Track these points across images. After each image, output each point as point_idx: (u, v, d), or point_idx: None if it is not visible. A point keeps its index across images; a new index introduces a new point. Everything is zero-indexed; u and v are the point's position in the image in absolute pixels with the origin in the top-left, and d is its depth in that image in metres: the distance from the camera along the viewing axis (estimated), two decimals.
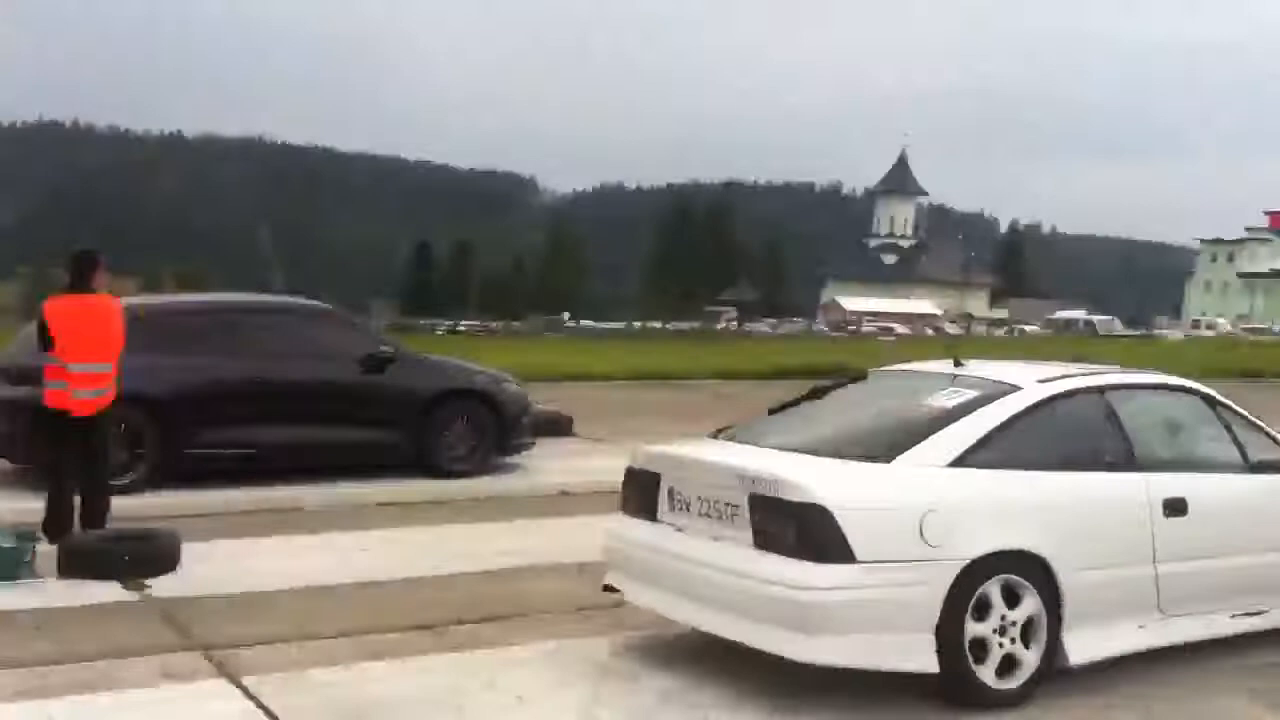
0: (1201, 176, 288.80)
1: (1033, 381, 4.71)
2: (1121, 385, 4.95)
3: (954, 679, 4.08)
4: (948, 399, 4.62)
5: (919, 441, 4.35)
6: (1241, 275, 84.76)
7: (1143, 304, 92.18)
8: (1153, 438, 4.87)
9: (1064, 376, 4.84)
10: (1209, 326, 71.47)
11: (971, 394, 4.63)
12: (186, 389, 8.47)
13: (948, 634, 4.04)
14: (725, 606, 4.31)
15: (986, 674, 4.12)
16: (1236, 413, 5.05)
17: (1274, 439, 5.08)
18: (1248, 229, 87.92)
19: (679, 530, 4.60)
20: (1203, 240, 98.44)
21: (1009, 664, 4.16)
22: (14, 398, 7.83)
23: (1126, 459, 4.63)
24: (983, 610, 4.11)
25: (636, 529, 4.83)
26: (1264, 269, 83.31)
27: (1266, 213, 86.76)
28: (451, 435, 9.33)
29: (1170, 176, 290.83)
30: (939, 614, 4.04)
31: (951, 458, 4.29)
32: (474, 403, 9.56)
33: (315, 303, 10.65)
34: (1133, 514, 4.51)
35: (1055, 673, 4.30)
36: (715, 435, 5.15)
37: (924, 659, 4.04)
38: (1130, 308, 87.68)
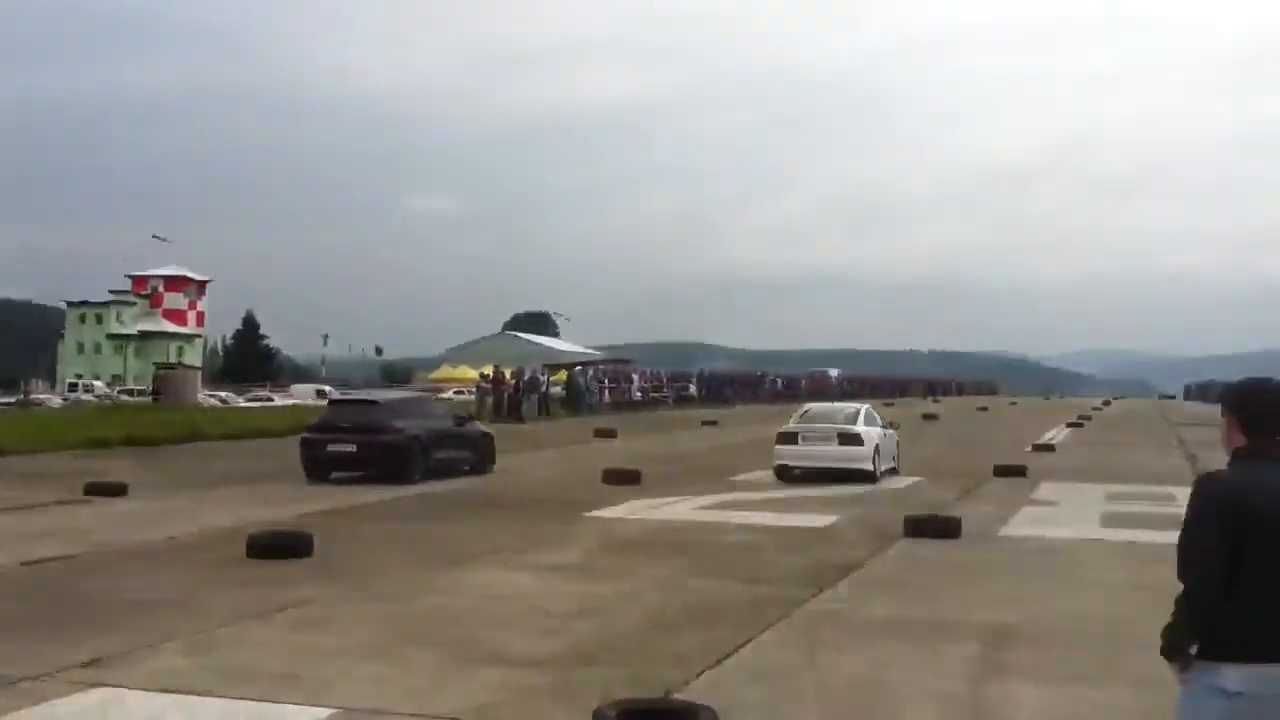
0: (69, 238, 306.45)
1: None
2: None
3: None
4: None
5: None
6: (111, 337, 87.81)
7: (16, 367, 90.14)
8: None
9: None
10: (87, 389, 72.60)
11: None
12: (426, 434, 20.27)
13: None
14: (832, 461, 20.32)
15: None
16: None
17: None
18: (112, 292, 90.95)
19: (809, 444, 20.75)
20: (69, 302, 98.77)
21: None
22: None
23: None
24: None
25: (790, 447, 21.11)
26: (131, 330, 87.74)
27: (129, 276, 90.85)
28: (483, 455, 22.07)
29: (45, 237, 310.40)
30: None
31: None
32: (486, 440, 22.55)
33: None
34: None
35: None
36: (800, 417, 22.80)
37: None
38: (2, 371, 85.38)
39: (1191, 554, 3.69)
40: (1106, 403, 78.83)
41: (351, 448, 19.42)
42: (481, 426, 24.36)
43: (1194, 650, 3.70)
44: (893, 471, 21.63)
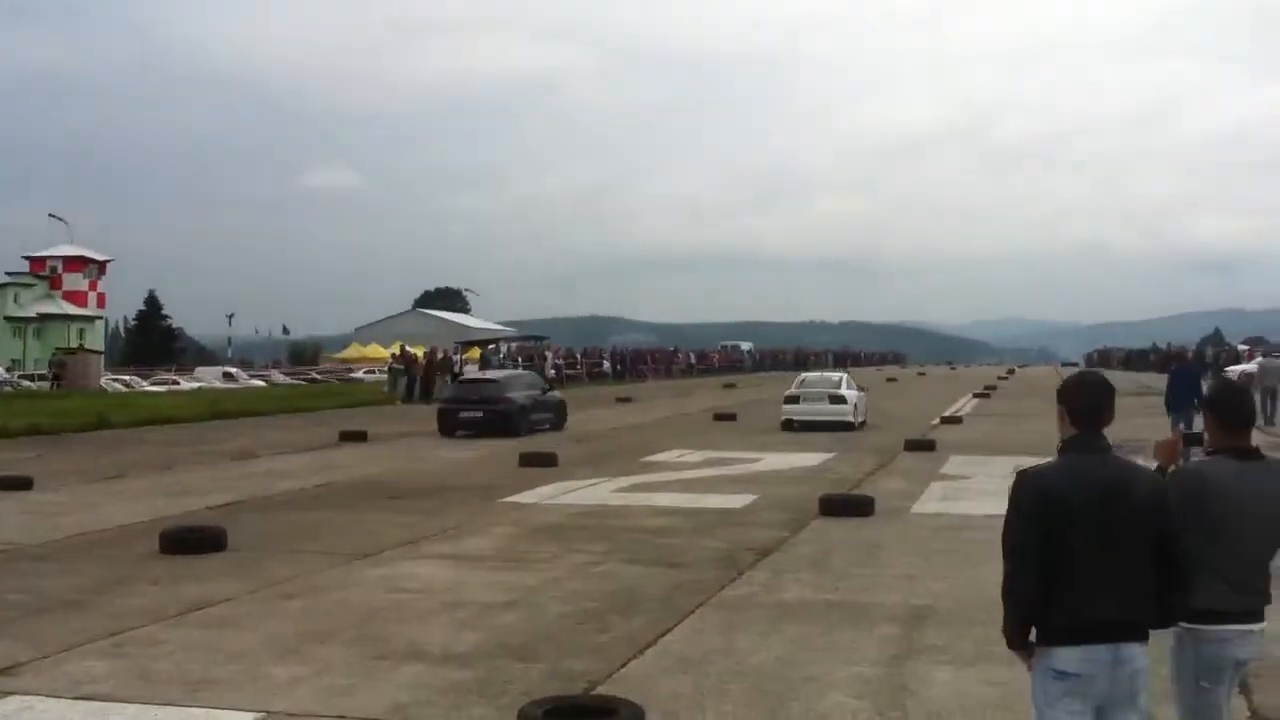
0: None
1: None
2: None
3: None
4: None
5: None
6: (8, 320, 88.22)
7: None
8: None
9: None
10: None
11: None
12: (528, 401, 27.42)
13: None
14: (825, 416, 26.98)
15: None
16: None
17: None
18: (8, 274, 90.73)
19: (807, 403, 27.48)
20: None
21: None
22: None
23: None
24: None
25: (793, 406, 27.55)
26: (30, 313, 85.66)
27: (26, 257, 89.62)
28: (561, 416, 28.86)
29: None
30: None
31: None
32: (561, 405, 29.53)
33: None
34: None
35: None
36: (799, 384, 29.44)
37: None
38: None
39: (1009, 548, 3.95)
40: (1011, 372, 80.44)
41: (479, 414, 26.26)
42: (557, 394, 31.63)
43: (1033, 637, 3.98)
44: (863, 424, 27.91)
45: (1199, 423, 22.24)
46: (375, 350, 75.62)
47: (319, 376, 69.94)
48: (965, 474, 17.86)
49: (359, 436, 24.71)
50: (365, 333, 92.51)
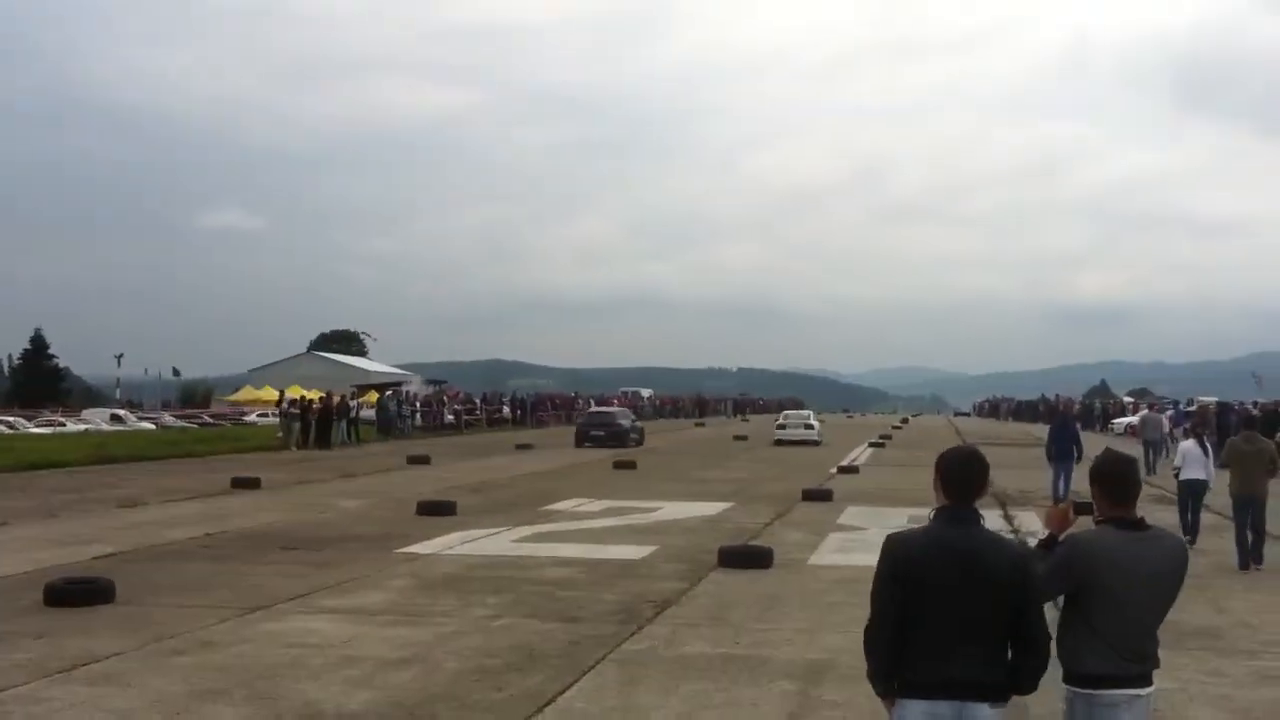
0: None
1: None
2: None
3: None
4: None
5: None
6: None
7: None
8: None
9: None
10: None
11: None
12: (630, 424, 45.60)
13: None
14: (801, 437, 44.91)
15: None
16: None
17: None
18: None
19: (790, 429, 46.03)
20: None
21: None
22: None
23: None
24: None
25: (782, 431, 46.35)
26: None
27: None
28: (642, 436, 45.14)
29: None
30: None
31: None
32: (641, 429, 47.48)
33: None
34: None
35: None
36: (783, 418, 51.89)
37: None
38: None
39: (872, 606, 4.28)
40: (905, 421, 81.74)
41: (602, 433, 42.24)
42: (640, 423, 48.95)
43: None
44: (820, 443, 43.66)
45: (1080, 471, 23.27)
46: (268, 393, 74.28)
47: (211, 420, 68.47)
48: (861, 525, 18.08)
49: (252, 483, 24.20)
50: (259, 375, 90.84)
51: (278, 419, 43.82)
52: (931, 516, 4.32)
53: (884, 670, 4.26)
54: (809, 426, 46.41)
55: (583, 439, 41.86)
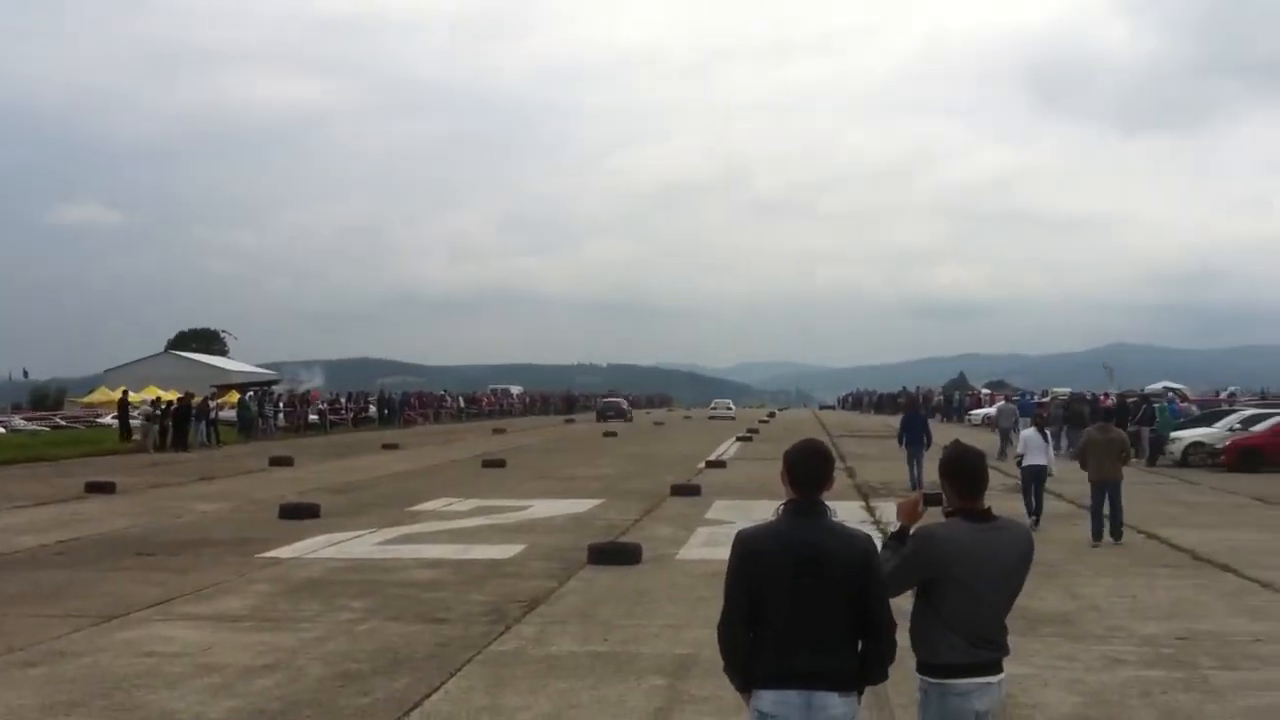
0: None
1: None
2: None
3: None
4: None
5: None
6: None
7: None
8: None
9: None
10: None
11: None
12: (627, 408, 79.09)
13: None
14: (724, 415, 76.89)
15: None
16: None
17: None
18: None
19: (718, 411, 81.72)
20: None
21: None
22: None
23: None
24: None
25: (714, 411, 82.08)
26: None
27: None
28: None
29: None
30: None
31: None
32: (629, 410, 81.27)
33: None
34: None
35: None
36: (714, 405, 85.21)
37: None
38: None
39: (726, 602, 4.37)
40: (772, 414, 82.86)
41: (612, 413, 71.94)
42: (629, 407, 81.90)
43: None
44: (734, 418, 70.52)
45: (926, 457, 24.48)
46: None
47: (63, 422, 66.08)
48: (729, 519, 18.24)
49: (107, 488, 23.45)
50: (115, 375, 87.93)
51: (137, 421, 42.47)
52: (779, 511, 4.42)
53: (738, 663, 4.35)
54: (729, 409, 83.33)
55: (601, 417, 71.01)
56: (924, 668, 4.58)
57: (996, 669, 4.58)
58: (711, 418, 74.33)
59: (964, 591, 4.49)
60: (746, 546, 4.33)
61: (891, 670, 4.42)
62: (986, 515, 4.63)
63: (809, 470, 4.41)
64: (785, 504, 4.41)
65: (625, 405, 79.64)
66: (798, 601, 4.25)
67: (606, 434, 48.81)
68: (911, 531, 4.64)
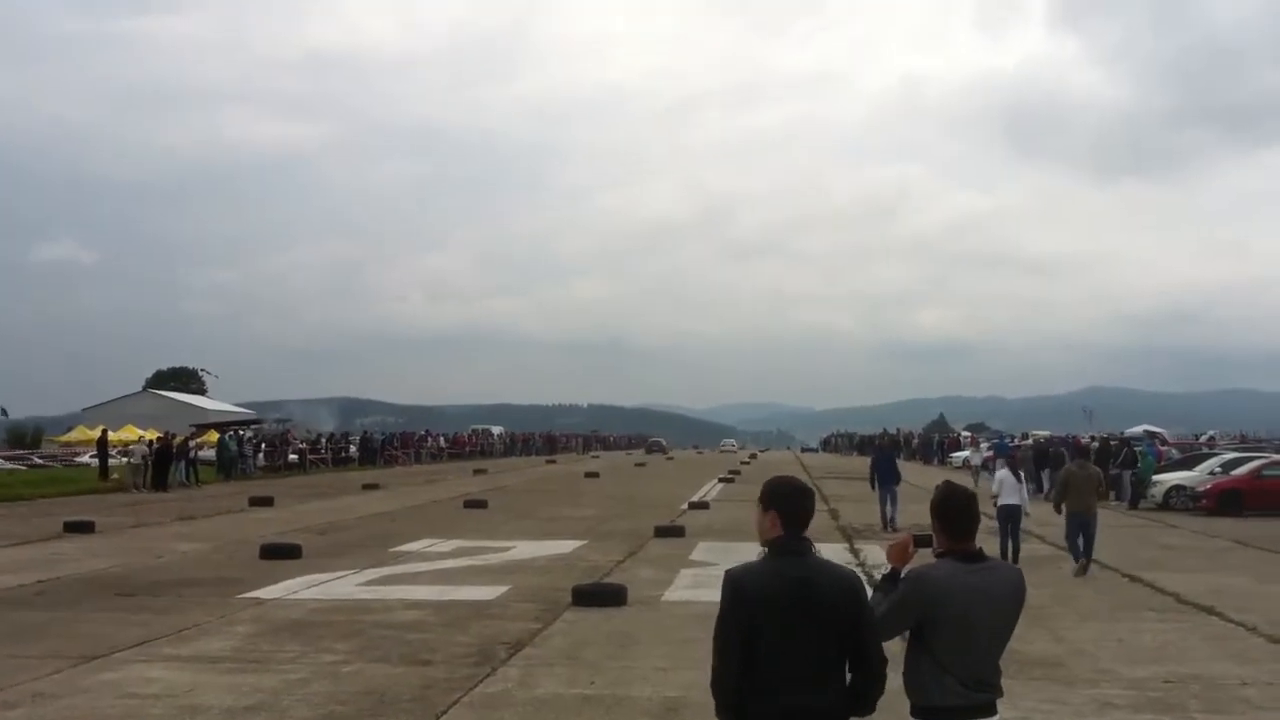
0: None
1: None
2: None
3: None
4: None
5: None
6: None
7: None
8: None
9: None
10: None
11: None
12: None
13: None
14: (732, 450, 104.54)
15: None
16: None
17: None
18: None
19: (725, 449, 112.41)
20: None
21: None
22: None
23: None
24: None
25: (722, 446, 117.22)
26: None
27: None
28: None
29: None
30: None
31: None
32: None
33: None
34: None
35: None
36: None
37: None
38: None
39: (716, 643, 4.27)
40: (754, 456, 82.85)
41: (657, 450, 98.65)
42: (666, 444, 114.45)
43: None
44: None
45: (901, 495, 24.90)
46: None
47: (40, 461, 65.60)
48: (713, 560, 18.19)
49: (86, 527, 23.23)
50: (93, 414, 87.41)
51: (125, 460, 42.17)
52: (767, 548, 4.35)
53: (732, 704, 4.25)
54: (734, 446, 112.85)
55: (649, 450, 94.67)
56: (918, 711, 4.55)
57: (991, 710, 4.56)
58: (723, 451, 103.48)
59: (958, 633, 4.47)
60: (739, 585, 4.25)
61: (882, 713, 4.39)
62: (978, 556, 4.62)
63: (796, 506, 4.38)
64: (773, 542, 4.34)
65: (665, 443, 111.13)
66: (790, 640, 4.21)
67: (588, 474, 48.65)
68: (903, 574, 4.63)
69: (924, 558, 4.62)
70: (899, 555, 4.70)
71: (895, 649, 4.48)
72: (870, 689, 4.32)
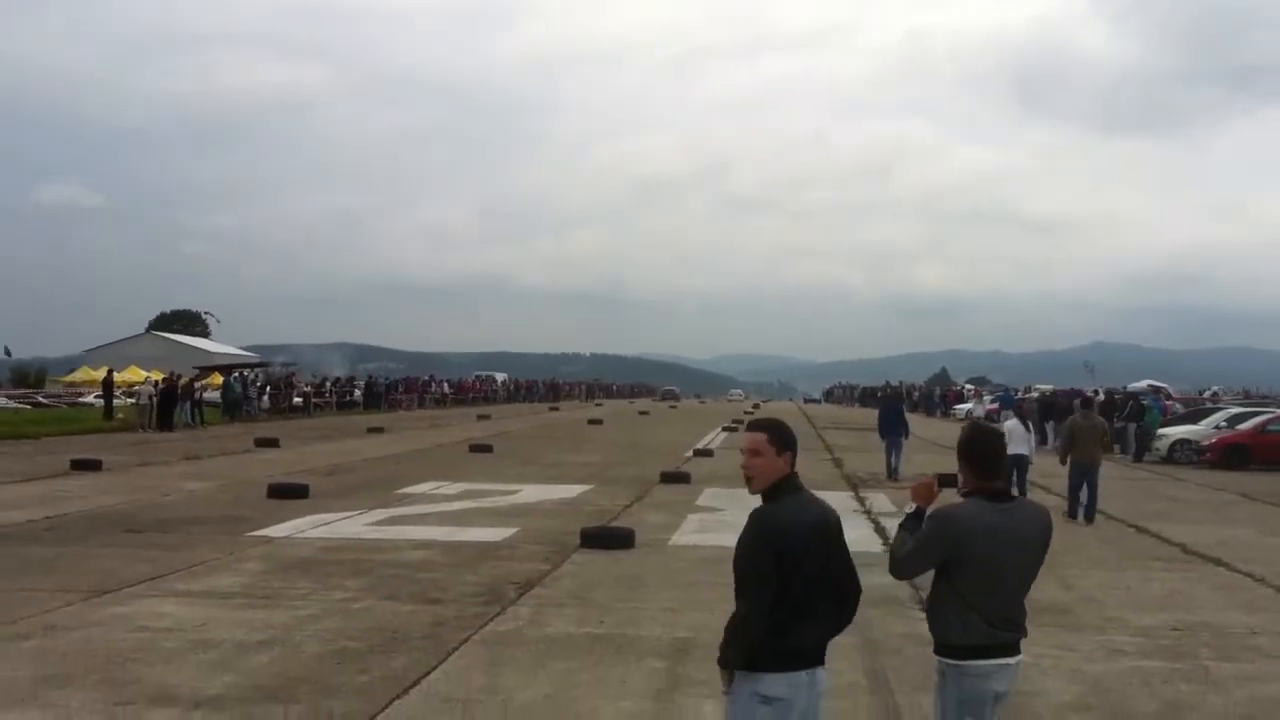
0: None
1: None
2: None
3: None
4: None
5: None
6: None
7: None
8: None
9: None
10: None
11: None
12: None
13: None
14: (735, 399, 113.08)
15: None
16: None
17: None
18: None
19: (732, 397, 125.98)
20: None
21: None
22: None
23: None
24: None
25: (730, 394, 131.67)
26: None
27: None
28: None
29: None
30: None
31: None
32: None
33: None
34: None
35: None
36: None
37: None
38: None
39: (750, 579, 4.17)
40: (756, 406, 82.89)
41: (671, 398, 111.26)
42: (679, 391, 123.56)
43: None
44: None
45: (906, 447, 25.05)
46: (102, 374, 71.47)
47: (45, 400, 65.70)
48: (719, 506, 18.24)
49: (92, 465, 23.28)
50: (96, 355, 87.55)
51: (132, 401, 42.25)
52: (776, 489, 4.29)
53: (751, 645, 4.15)
54: (740, 395, 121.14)
55: (663, 398, 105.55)
56: (942, 649, 4.53)
57: (1015, 650, 4.54)
58: (730, 400, 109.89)
59: (984, 571, 4.43)
60: (775, 522, 4.20)
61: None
62: (1005, 495, 4.58)
63: (793, 441, 4.42)
64: (779, 483, 4.29)
65: (677, 391, 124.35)
66: (818, 576, 4.22)
67: (592, 421, 48.72)
68: (928, 513, 4.59)
69: (947, 497, 4.57)
70: (924, 494, 4.66)
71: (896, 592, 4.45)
72: (847, 622, 4.42)
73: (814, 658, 4.24)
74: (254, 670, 8.12)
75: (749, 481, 4.36)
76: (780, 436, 4.36)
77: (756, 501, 4.37)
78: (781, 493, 4.28)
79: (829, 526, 4.31)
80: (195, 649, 8.69)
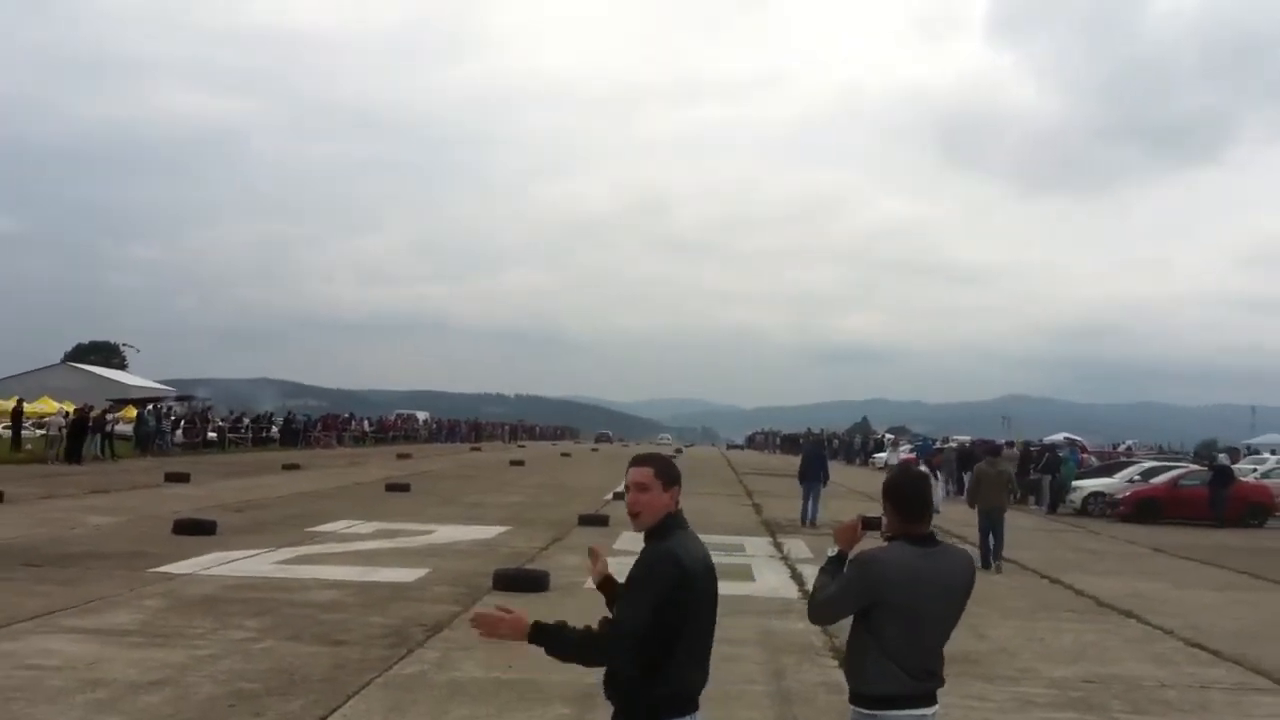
0: None
1: None
2: None
3: None
4: None
5: None
6: None
7: None
8: None
9: None
10: None
11: None
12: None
13: None
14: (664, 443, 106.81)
15: None
16: None
17: None
18: None
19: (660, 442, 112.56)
20: None
21: None
22: None
23: None
24: None
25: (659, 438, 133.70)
26: None
27: None
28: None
29: None
30: None
31: None
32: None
33: None
34: None
35: None
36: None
37: None
38: None
39: (635, 624, 3.90)
40: (679, 451, 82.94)
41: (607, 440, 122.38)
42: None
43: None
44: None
45: (824, 494, 25.20)
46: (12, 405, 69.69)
47: None
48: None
49: None
50: (7, 385, 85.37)
51: (42, 432, 41.21)
52: (664, 526, 4.07)
53: (652, 691, 3.96)
54: (668, 439, 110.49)
55: (598, 440, 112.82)
56: (858, 699, 4.39)
57: (932, 700, 4.42)
58: (658, 444, 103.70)
59: (905, 618, 4.30)
60: (684, 568, 3.94)
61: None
62: (930, 539, 4.48)
63: (679, 476, 4.20)
64: (667, 519, 4.06)
65: (611, 435, 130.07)
66: (709, 620, 4.05)
67: (513, 463, 48.33)
68: (850, 556, 4.47)
69: (871, 541, 4.47)
70: (846, 537, 4.53)
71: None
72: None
73: (695, 704, 4.01)
74: (143, 711, 7.79)
75: (635, 518, 4.11)
76: (666, 471, 4.13)
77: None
78: (669, 530, 4.04)
79: (712, 567, 4.10)
80: (83, 688, 8.33)
